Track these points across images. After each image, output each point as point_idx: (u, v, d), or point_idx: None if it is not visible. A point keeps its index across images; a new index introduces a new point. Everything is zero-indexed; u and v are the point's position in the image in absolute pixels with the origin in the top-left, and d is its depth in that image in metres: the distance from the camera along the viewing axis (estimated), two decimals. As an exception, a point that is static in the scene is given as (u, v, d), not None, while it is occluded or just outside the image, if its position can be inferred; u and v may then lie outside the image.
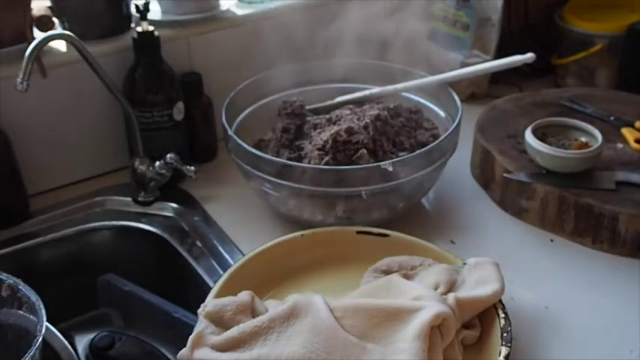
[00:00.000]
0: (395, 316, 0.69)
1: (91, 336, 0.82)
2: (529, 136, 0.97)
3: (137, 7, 0.99)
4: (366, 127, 0.91)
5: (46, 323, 0.65)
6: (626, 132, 1.04)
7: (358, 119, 0.93)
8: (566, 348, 0.76)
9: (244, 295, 0.73)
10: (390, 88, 1.04)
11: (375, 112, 0.95)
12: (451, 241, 0.92)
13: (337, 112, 0.98)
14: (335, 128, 0.91)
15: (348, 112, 0.97)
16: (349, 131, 0.91)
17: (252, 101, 1.06)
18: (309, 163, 0.91)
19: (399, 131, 0.98)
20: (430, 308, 0.68)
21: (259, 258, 0.82)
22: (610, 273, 0.87)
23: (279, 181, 0.88)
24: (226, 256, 0.93)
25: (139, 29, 1.00)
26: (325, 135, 0.91)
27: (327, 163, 0.89)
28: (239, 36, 1.13)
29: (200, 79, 1.09)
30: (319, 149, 0.90)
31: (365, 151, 0.90)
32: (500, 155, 1.00)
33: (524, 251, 0.92)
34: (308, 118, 0.99)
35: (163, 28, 1.06)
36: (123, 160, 1.09)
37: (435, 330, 0.68)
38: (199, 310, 0.72)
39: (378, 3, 1.07)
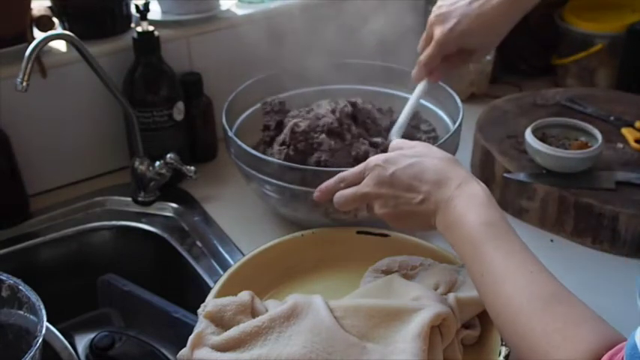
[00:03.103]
0: (395, 316, 0.69)
1: (91, 336, 0.82)
2: (529, 136, 0.97)
3: (137, 7, 0.99)
4: (333, 111, 0.90)
5: (46, 323, 0.65)
6: (626, 132, 1.04)
7: (333, 110, 0.92)
8: (566, 348, 0.76)
9: (244, 295, 0.73)
10: None
11: (352, 100, 0.94)
12: (451, 241, 0.92)
13: (317, 102, 0.97)
14: (296, 120, 0.90)
15: (326, 102, 0.96)
16: (316, 117, 0.89)
17: (253, 102, 1.06)
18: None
19: (371, 114, 0.96)
20: (430, 308, 0.68)
21: (259, 258, 0.82)
22: (610, 273, 0.87)
23: (279, 182, 0.87)
24: (226, 256, 0.93)
25: (139, 29, 1.00)
26: (287, 129, 0.90)
27: (287, 155, 0.88)
28: (239, 36, 1.12)
29: (200, 79, 1.09)
30: (280, 144, 0.89)
31: (324, 135, 0.88)
32: (500, 155, 1.00)
33: (524, 251, 0.91)
34: (290, 113, 0.98)
35: (163, 28, 1.06)
36: (123, 160, 1.09)
37: (435, 330, 0.68)
38: (199, 310, 0.71)
39: (378, 2, 1.07)
